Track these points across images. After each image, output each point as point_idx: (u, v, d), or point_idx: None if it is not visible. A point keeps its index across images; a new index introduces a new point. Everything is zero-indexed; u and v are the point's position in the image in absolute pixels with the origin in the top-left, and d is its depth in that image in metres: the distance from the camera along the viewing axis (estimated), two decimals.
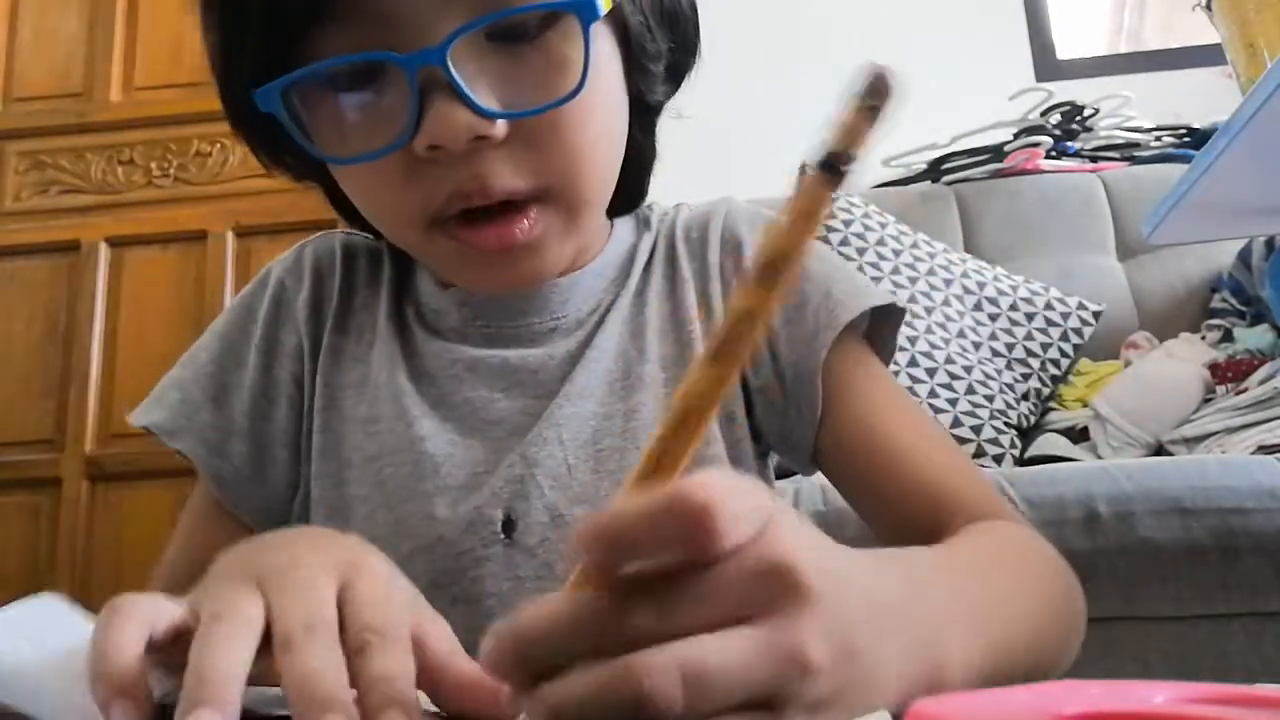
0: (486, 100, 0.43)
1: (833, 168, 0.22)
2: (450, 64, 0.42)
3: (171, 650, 0.29)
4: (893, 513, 0.52)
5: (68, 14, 2.36)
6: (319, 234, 0.63)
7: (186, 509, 0.59)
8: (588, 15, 0.44)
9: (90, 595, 2.32)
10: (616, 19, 0.48)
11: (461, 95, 0.42)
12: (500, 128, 0.44)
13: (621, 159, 0.53)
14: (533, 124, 0.45)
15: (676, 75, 0.55)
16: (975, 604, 0.34)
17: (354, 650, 0.29)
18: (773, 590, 0.24)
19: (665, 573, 0.23)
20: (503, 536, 0.50)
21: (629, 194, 0.58)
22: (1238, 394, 1.39)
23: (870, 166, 2.12)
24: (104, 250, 2.23)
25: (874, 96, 0.21)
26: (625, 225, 0.62)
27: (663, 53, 0.52)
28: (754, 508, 0.24)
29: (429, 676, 0.31)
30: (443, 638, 0.33)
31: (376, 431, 0.55)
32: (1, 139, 2.30)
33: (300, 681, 0.27)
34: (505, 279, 0.52)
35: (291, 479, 0.58)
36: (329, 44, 0.44)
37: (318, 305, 0.59)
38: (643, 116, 0.55)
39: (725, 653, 0.23)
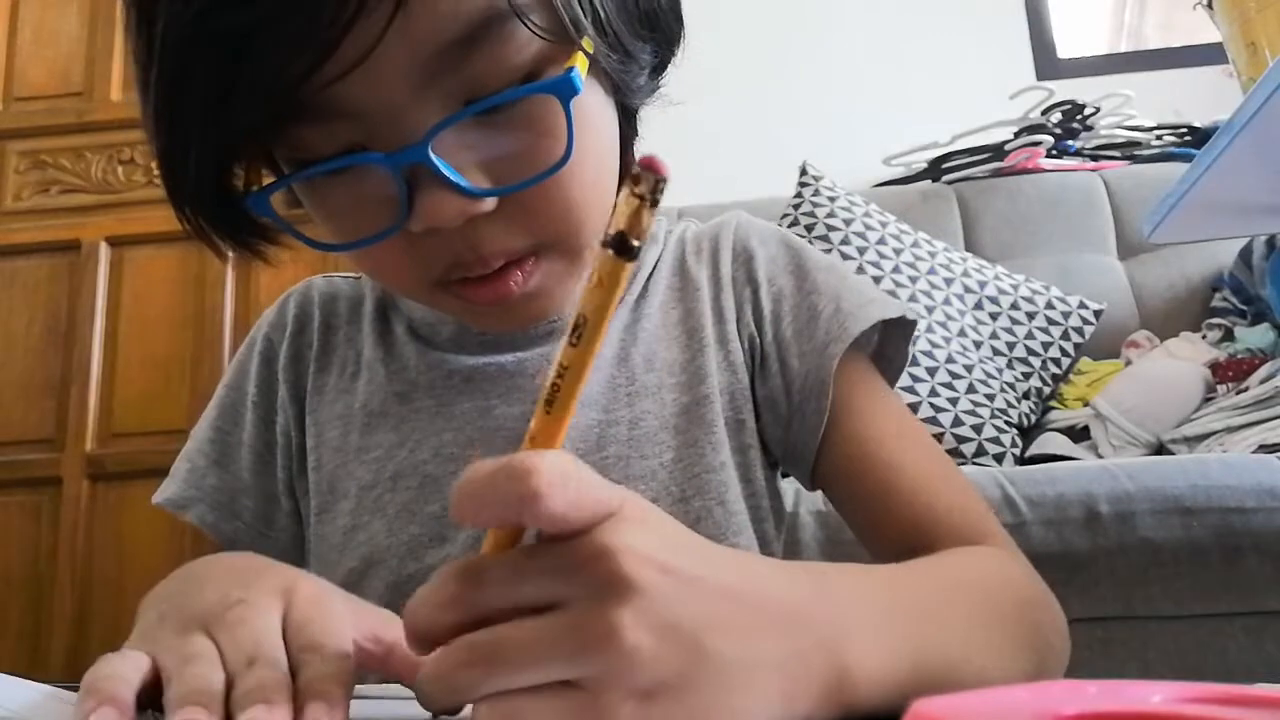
0: (475, 179, 0.42)
1: (619, 246, 0.25)
2: (433, 157, 0.40)
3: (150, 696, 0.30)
4: (883, 535, 0.51)
5: (68, 14, 2.36)
6: (303, 281, 0.64)
7: None
8: (567, 94, 0.41)
9: (90, 595, 2.31)
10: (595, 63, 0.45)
11: (449, 183, 0.41)
12: (490, 203, 0.43)
13: (617, 181, 0.51)
14: (524, 192, 0.43)
15: (660, 69, 0.53)
16: (897, 615, 0.33)
17: (296, 671, 0.30)
18: (588, 577, 0.25)
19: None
20: None
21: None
22: (1239, 393, 1.39)
23: (871, 165, 2.12)
24: (104, 250, 2.23)
25: (642, 186, 0.24)
26: None
27: (647, 62, 0.49)
28: (595, 497, 0.25)
29: (386, 664, 0.33)
30: (395, 628, 0.34)
31: (373, 459, 0.55)
32: (1, 139, 2.30)
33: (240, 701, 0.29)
34: (512, 324, 0.52)
35: (299, 526, 0.59)
36: (304, 140, 0.42)
37: (298, 354, 0.61)
38: (627, 113, 0.53)
39: (522, 633, 0.24)
